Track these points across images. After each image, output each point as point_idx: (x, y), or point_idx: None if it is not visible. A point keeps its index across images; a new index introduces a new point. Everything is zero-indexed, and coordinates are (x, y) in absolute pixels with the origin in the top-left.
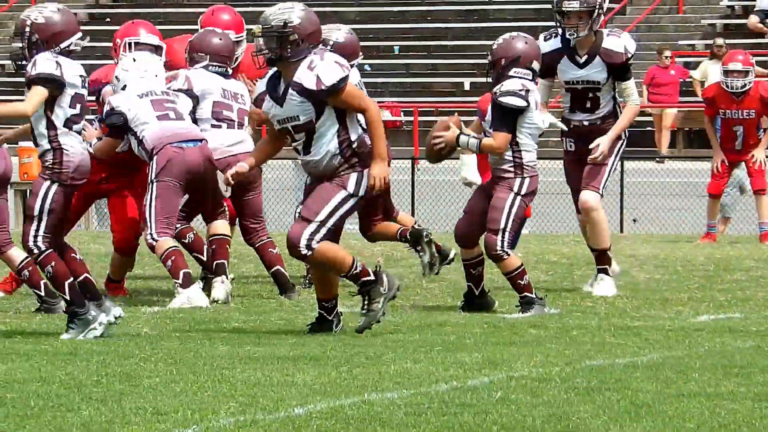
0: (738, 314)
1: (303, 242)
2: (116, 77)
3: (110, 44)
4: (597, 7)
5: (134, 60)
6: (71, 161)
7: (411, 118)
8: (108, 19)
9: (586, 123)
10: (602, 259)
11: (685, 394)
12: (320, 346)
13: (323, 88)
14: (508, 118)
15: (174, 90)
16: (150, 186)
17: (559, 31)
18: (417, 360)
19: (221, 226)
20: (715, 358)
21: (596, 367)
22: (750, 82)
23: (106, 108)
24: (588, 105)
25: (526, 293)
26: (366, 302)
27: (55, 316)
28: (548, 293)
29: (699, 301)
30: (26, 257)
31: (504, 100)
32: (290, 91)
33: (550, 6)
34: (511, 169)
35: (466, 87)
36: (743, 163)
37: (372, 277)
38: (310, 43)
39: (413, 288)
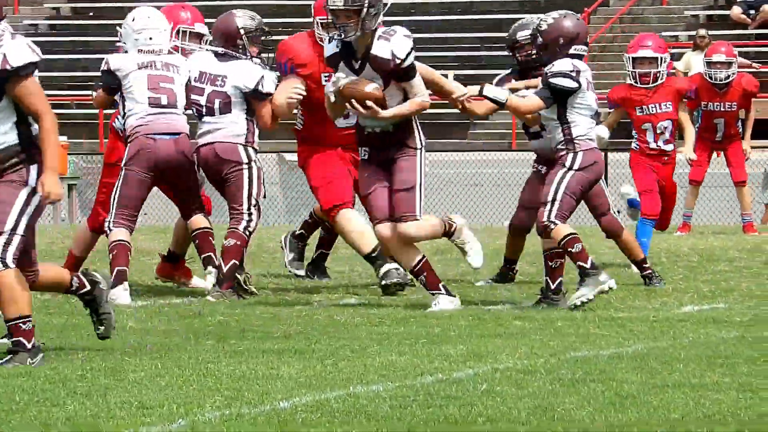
0: (722, 305)
1: None
2: (120, 36)
3: (96, 38)
4: (367, 5)
5: (133, 19)
6: None
7: None
8: (91, 13)
9: (377, 130)
10: None
11: (670, 384)
12: (306, 339)
13: (8, 68)
14: (555, 97)
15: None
16: (120, 172)
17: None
18: (402, 353)
19: (200, 219)
20: (699, 348)
21: (581, 358)
22: (733, 74)
23: (103, 66)
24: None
25: (579, 261)
26: (95, 311)
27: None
28: (532, 285)
29: (683, 291)
30: None
31: (555, 81)
32: None
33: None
34: (563, 146)
35: (450, 79)
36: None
37: (88, 286)
38: None
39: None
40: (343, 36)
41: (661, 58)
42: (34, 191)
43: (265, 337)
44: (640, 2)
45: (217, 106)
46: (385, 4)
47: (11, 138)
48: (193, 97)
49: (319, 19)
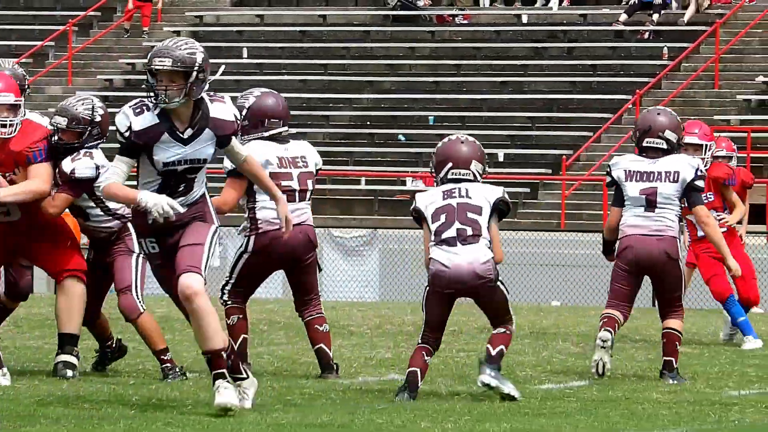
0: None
1: None
2: None
3: None
4: (197, 69)
5: None
6: None
7: None
8: None
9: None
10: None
11: None
12: (349, 414)
13: None
14: None
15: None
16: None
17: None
18: (445, 429)
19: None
20: None
21: None
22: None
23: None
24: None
25: None
26: None
27: None
28: (578, 364)
29: (728, 375)
30: None
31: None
32: None
33: (586, 80)
34: None
35: (500, 158)
36: None
37: None
38: None
39: (441, 356)
40: (166, 101)
41: (707, 146)
42: None
43: (309, 410)
44: (693, 86)
45: (310, 187)
46: (214, 73)
47: None
48: (284, 183)
49: None
